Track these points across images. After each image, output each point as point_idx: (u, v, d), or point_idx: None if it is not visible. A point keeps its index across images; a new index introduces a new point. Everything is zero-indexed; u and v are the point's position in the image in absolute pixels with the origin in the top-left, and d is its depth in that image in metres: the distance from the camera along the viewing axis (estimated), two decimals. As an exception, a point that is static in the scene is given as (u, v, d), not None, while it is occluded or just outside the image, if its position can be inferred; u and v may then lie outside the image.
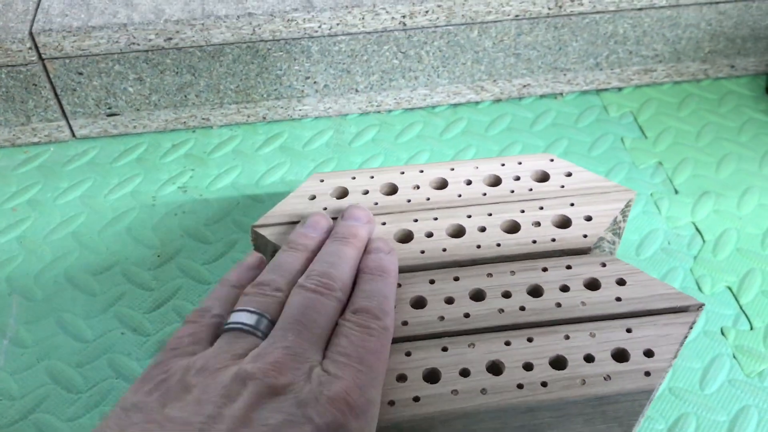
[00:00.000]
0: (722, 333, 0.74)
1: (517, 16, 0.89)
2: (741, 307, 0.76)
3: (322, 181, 0.60)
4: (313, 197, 0.59)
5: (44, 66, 0.85)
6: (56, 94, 0.88)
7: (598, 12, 0.90)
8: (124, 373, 0.71)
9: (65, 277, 0.79)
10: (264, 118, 0.95)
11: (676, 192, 0.87)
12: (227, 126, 0.96)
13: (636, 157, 0.91)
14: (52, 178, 0.89)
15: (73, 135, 0.93)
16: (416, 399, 0.46)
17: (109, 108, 0.91)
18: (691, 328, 0.51)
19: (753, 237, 0.83)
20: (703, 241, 0.82)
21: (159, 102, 0.91)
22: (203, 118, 0.94)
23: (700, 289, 0.78)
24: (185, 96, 0.91)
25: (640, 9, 0.91)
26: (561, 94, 0.99)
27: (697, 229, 0.84)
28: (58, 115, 0.90)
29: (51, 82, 0.87)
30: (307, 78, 0.91)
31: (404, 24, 0.88)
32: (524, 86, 0.97)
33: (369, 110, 0.97)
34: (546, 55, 0.94)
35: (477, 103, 0.99)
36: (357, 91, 0.94)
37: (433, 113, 0.98)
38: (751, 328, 0.75)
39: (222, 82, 0.90)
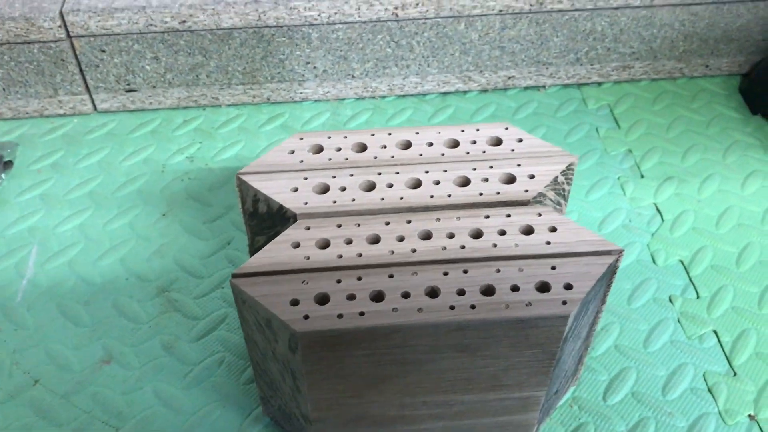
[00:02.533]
0: (670, 300, 0.81)
1: (500, 11, 0.97)
2: (690, 279, 0.83)
3: (301, 139, 0.68)
4: (292, 152, 0.67)
5: (71, 43, 0.95)
6: (81, 70, 0.98)
7: (576, 9, 0.98)
8: (125, 312, 0.79)
9: (80, 229, 0.88)
10: (268, 99, 1.04)
11: (642, 176, 0.94)
12: (234, 105, 1.05)
13: (608, 144, 0.98)
14: (74, 145, 0.99)
15: (95, 108, 1.03)
16: (362, 314, 0.54)
17: (128, 84, 1.00)
18: (610, 269, 0.58)
19: (709, 218, 0.89)
20: (662, 220, 0.89)
21: (173, 80, 1.00)
22: (213, 97, 1.03)
23: (654, 261, 0.85)
24: (197, 76, 1.00)
25: (616, 8, 0.98)
26: (544, 86, 1.07)
27: (658, 210, 0.90)
28: (82, 89, 1.00)
29: (77, 58, 0.97)
30: (308, 63, 1.00)
31: (396, 15, 0.96)
32: (509, 78, 1.05)
33: (365, 95, 1.05)
34: (529, 48, 1.02)
35: (465, 92, 1.07)
36: (353, 77, 1.03)
37: (423, 100, 1.06)
38: (698, 297, 0.81)
39: (230, 64, 0.99)
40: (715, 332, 0.78)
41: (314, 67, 1.01)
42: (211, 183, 0.94)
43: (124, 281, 0.83)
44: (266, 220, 0.65)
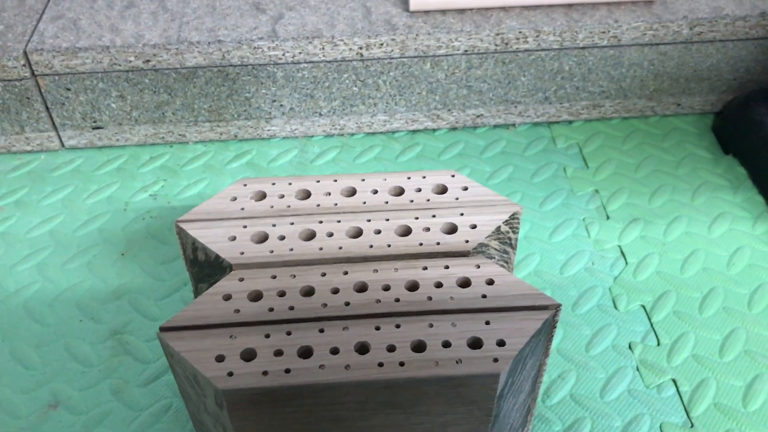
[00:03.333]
0: (629, 347, 0.79)
1: (466, 50, 0.97)
2: (652, 325, 0.81)
3: (245, 185, 0.68)
4: (234, 198, 0.66)
5: (36, 81, 0.95)
6: (47, 107, 0.98)
7: (543, 49, 0.97)
8: (76, 355, 0.79)
9: (38, 269, 0.88)
10: (235, 136, 1.04)
11: (608, 218, 0.93)
12: (201, 142, 1.04)
13: (575, 184, 0.97)
14: (39, 182, 0.99)
15: (63, 145, 1.03)
16: (287, 371, 0.53)
17: (95, 121, 1.00)
18: (548, 324, 0.57)
19: (674, 262, 0.88)
20: (626, 263, 0.88)
21: (139, 118, 1.00)
22: (180, 134, 1.03)
23: (615, 306, 0.83)
24: (163, 113, 1.00)
25: (583, 48, 0.98)
26: (513, 124, 1.06)
27: (622, 252, 0.89)
28: (49, 126, 1.00)
29: (42, 96, 0.97)
30: (274, 101, 1.00)
31: (361, 54, 0.96)
32: (477, 116, 1.04)
33: (333, 133, 1.05)
34: (497, 88, 1.01)
35: (434, 130, 1.06)
36: (321, 114, 1.02)
37: (392, 138, 1.05)
38: (658, 344, 0.79)
39: (196, 102, 0.99)
40: (674, 381, 0.76)
41: (281, 105, 1.01)
42: (172, 221, 0.93)
43: (78, 323, 0.82)
44: (206, 267, 0.65)
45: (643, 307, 0.83)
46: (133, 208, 0.95)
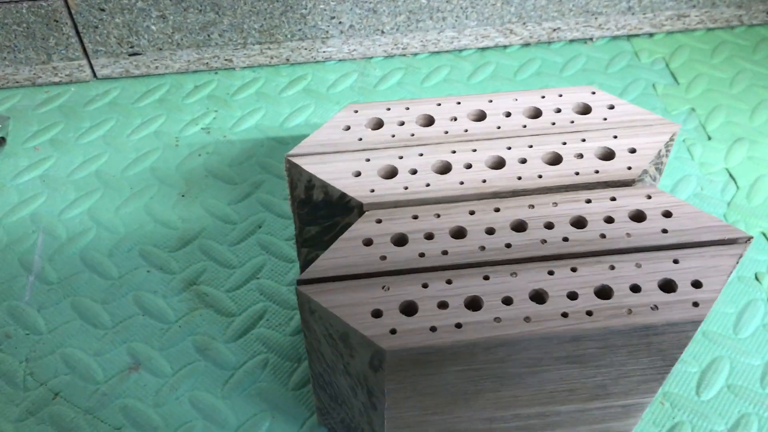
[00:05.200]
0: (756, 278, 0.73)
1: (550, -45, 0.86)
2: (776, 253, 0.75)
3: (356, 111, 0.59)
4: (348, 128, 0.57)
5: (65, 1, 0.83)
6: (77, 32, 0.86)
7: (633, -48, 0.88)
8: (150, 310, 0.70)
9: (89, 215, 0.78)
10: (287, 59, 0.93)
11: (709, 138, 0.86)
12: (250, 68, 0.94)
13: (668, 103, 0.89)
14: (73, 118, 0.88)
15: (95, 75, 0.92)
16: (458, 326, 0.45)
17: (131, 47, 0.89)
18: (739, 260, 0.50)
19: (788, 184, 0.81)
20: (737, 187, 0.81)
21: (182, 41, 0.89)
22: (226, 59, 0.92)
23: (734, 234, 0.76)
24: (208, 35, 0.89)
25: (676, -51, 0.88)
26: (591, 38, 0.97)
27: (731, 175, 0.82)
28: (80, 54, 0.89)
29: (72, 19, 0.85)
30: (332, 18, 0.89)
31: (434, -38, 0.85)
32: (554, 30, 0.95)
33: (394, 53, 0.95)
34: (578, -3, 0.92)
35: (505, 47, 0.96)
36: (383, 32, 0.92)
37: (460, 57, 0.95)
38: (787, 274, 0.73)
39: (246, 21, 0.88)
40: (810, 313, 0.70)
41: (339, 23, 0.90)
42: (232, 158, 0.84)
43: (146, 274, 0.73)
44: (322, 209, 0.56)
45: (764, 234, 0.77)
46: (185, 144, 0.85)
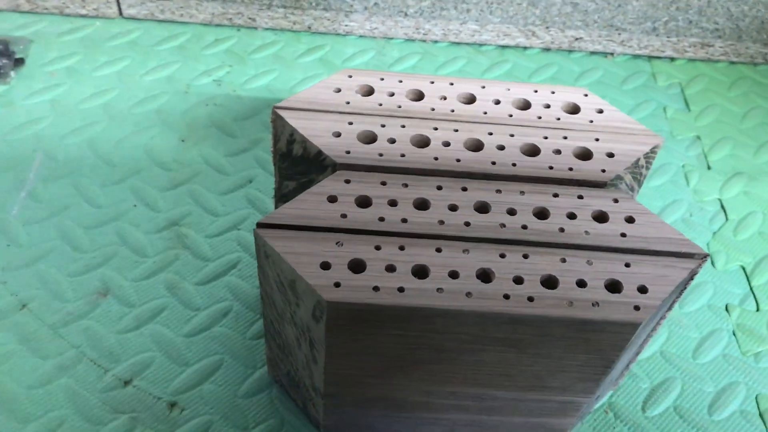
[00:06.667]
0: (726, 309, 0.73)
1: (580, -38, 0.87)
2: (751, 288, 0.75)
3: (350, 76, 0.60)
4: (339, 90, 0.58)
5: (102, -64, 0.85)
6: (110, -32, 0.89)
7: (664, -28, 0.88)
8: (129, 242, 0.72)
9: (88, 144, 0.80)
10: (309, 27, 0.95)
11: (709, 168, 0.85)
12: (272, 30, 0.95)
13: (675, 127, 0.89)
14: (93, 51, 0.90)
15: (120, 13, 0.94)
16: (401, 290, 0.46)
17: (159, -9, 0.91)
18: (692, 275, 0.50)
19: (779, 224, 0.81)
20: (726, 219, 0.81)
21: (208, -7, 0.91)
22: (250, 18, 0.94)
23: (713, 263, 0.76)
24: (235, -9, 0.91)
25: (708, -24, 0.88)
26: (612, 53, 0.97)
27: (723, 207, 0.82)
28: (109, -10, 0.91)
29: (106, -46, 0.87)
30: (359, -7, 0.91)
31: (464, -48, 0.86)
32: (576, 39, 0.95)
33: (415, 37, 0.96)
34: (604, 9, 0.92)
35: (525, 48, 0.97)
36: (406, 14, 0.93)
37: (479, 51, 0.96)
38: (758, 310, 0.73)
39: (273, -17, 0.90)
40: (774, 352, 0.70)
41: (365, -1, 0.91)
42: (237, 112, 0.85)
43: (132, 208, 0.75)
44: (299, 164, 0.57)
45: (743, 268, 0.76)
46: (195, 92, 0.87)
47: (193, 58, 0.91)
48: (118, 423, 0.60)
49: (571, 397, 0.55)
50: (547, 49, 0.97)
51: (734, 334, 0.71)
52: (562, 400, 0.55)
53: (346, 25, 0.94)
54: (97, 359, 0.64)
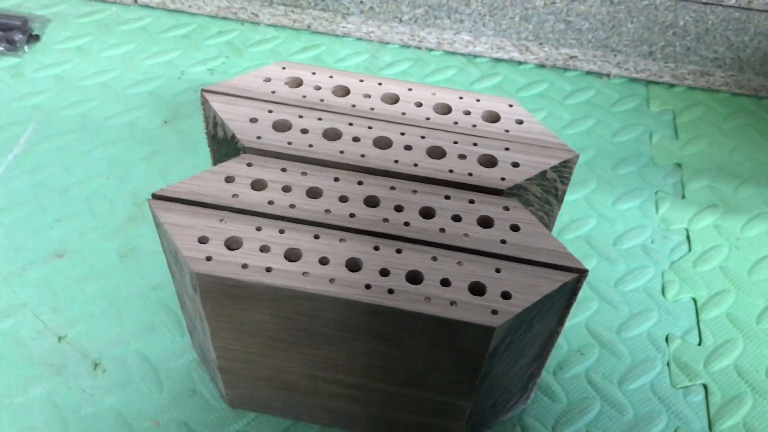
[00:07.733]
0: (666, 340, 0.71)
1: (572, -20, 0.87)
2: (698, 322, 0.73)
3: (284, 68, 0.62)
4: (268, 80, 0.61)
5: (118, -73, 0.91)
6: (125, -43, 0.95)
7: (658, -4, 0.86)
8: (94, 211, 0.77)
9: (81, 118, 0.86)
10: (308, 26, 0.98)
11: (683, 197, 0.83)
12: (273, 26, 0.99)
13: (658, 153, 0.87)
14: (104, 33, 0.96)
15: (136, 1, 1.00)
16: (268, 269, 0.48)
17: (170, -18, 0.96)
18: (567, 289, 0.50)
19: (744, 261, 0.78)
20: (689, 249, 0.78)
21: (215, -13, 0.96)
22: (253, 13, 0.98)
23: (663, 293, 0.75)
24: (239, -13, 0.95)
25: (705, 3, 0.86)
26: (608, 75, 0.96)
27: (688, 237, 0.80)
28: (125, -22, 0.97)
29: (122, -56, 0.93)
30: (355, -4, 0.93)
31: (456, -37, 0.87)
32: (570, 57, 0.95)
33: (410, 44, 0.97)
34: (598, 29, 0.91)
35: (519, 63, 0.97)
36: (401, 20, 0.95)
37: (472, 62, 0.97)
38: (699, 344, 0.71)
39: (275, -18, 0.93)
40: (705, 387, 0.68)
41: (361, 2, 0.94)
42: (224, 101, 0.89)
43: (104, 180, 0.80)
44: (224, 146, 0.60)
45: (694, 300, 0.74)
46: (187, 78, 0.91)
47: (194, 47, 0.95)
48: (39, 373, 0.65)
49: (452, 399, 0.55)
50: (542, 66, 0.96)
51: (668, 365, 0.69)
52: (443, 401, 0.56)
53: (344, 27, 0.97)
54: (40, 314, 0.69)
